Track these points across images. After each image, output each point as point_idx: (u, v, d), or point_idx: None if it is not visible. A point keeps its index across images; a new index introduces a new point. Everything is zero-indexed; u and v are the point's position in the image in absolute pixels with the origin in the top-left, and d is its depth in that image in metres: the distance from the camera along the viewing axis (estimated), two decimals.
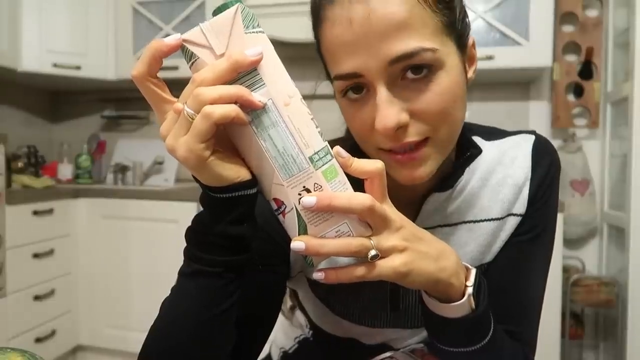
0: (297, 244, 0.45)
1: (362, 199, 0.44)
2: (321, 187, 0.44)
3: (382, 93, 0.51)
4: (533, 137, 0.66)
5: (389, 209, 0.47)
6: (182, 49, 0.43)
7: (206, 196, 0.46)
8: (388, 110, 0.51)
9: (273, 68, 0.43)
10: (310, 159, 0.44)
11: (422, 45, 0.50)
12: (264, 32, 0.43)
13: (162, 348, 0.51)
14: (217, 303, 0.50)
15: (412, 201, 0.64)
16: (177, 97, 0.44)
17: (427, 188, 0.63)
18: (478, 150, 0.64)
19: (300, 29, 2.14)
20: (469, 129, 0.67)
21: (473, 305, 0.52)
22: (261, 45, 0.42)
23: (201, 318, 0.50)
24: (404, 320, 0.67)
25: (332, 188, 0.45)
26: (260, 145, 0.44)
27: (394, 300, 0.66)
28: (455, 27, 0.54)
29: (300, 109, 0.44)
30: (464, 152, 0.63)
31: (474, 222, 0.64)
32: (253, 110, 0.43)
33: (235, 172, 0.44)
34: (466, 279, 0.53)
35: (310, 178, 0.44)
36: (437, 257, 0.50)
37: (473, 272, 0.54)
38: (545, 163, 0.64)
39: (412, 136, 0.52)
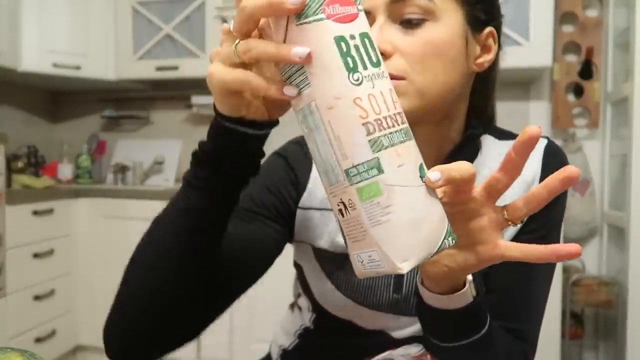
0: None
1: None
2: (354, 205, 0.39)
3: (377, 23, 0.58)
4: (546, 140, 0.68)
5: None
6: None
7: (217, 125, 0.47)
8: (374, 34, 0.56)
9: (322, 66, 0.38)
10: (346, 172, 0.39)
11: None
12: (327, 18, 0.38)
13: (144, 282, 0.52)
14: (202, 237, 0.51)
15: None
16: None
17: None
18: (479, 131, 0.67)
19: None
20: (482, 127, 0.69)
21: (474, 292, 0.52)
22: (314, 40, 0.38)
23: (186, 250, 0.51)
24: (404, 307, 0.68)
25: (366, 209, 0.39)
26: (310, 146, 0.42)
27: (398, 284, 0.67)
28: (469, 2, 0.60)
29: (347, 113, 0.38)
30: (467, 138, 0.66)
31: None
32: (301, 110, 0.40)
33: (253, 110, 0.46)
34: None
35: (345, 192, 0.39)
36: None
37: None
38: (555, 167, 0.64)
39: (390, 69, 0.57)
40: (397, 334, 0.69)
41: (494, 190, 0.44)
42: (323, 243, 0.69)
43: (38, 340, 2.06)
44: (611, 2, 2.18)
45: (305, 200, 0.69)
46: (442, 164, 0.62)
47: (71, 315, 2.26)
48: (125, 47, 2.49)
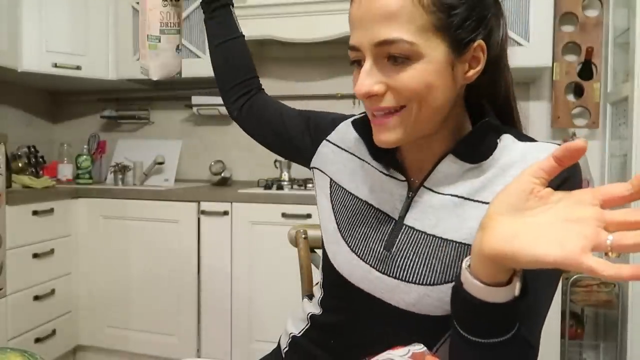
0: None
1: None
2: None
3: (366, 65, 0.63)
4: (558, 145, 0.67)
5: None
6: None
7: None
8: (364, 80, 0.62)
9: None
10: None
11: (402, 36, 0.59)
12: None
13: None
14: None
15: (430, 162, 0.70)
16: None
17: (445, 152, 0.68)
18: (494, 122, 0.68)
19: (301, 29, 2.15)
20: (503, 127, 0.70)
21: (517, 292, 0.53)
22: None
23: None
24: (392, 267, 0.69)
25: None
26: None
27: (390, 242, 0.70)
28: (450, 31, 0.61)
29: None
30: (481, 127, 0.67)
31: (483, 202, 0.66)
32: None
33: None
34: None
35: None
36: None
37: None
38: (563, 174, 0.64)
39: (386, 103, 0.63)
40: (389, 299, 0.69)
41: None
42: (339, 178, 0.79)
43: (38, 340, 2.06)
44: (611, 2, 2.18)
45: (333, 136, 0.83)
46: (452, 150, 0.67)
47: (71, 315, 2.26)
48: (125, 47, 2.49)
